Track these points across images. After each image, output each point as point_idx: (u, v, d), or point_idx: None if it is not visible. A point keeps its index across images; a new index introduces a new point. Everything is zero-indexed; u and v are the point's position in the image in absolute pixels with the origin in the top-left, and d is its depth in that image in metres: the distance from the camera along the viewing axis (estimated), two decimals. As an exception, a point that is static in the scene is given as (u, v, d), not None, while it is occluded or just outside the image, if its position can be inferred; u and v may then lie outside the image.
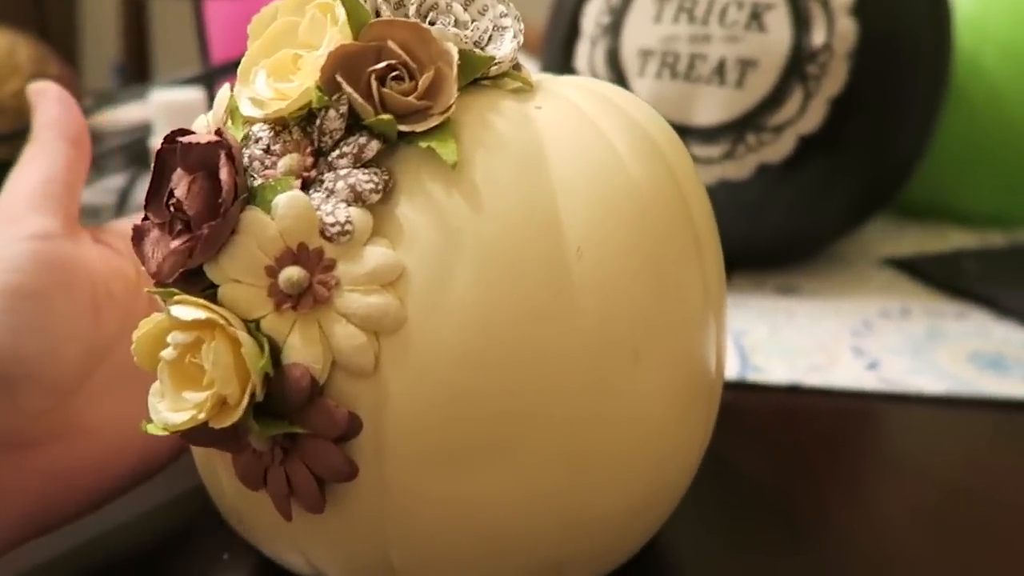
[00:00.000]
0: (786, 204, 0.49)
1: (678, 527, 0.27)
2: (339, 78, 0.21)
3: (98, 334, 0.26)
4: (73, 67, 1.49)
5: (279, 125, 0.21)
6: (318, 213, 0.20)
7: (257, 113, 0.21)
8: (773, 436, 0.38)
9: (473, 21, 0.23)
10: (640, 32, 0.48)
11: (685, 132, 0.48)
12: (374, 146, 0.21)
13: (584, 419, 0.21)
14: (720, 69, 0.46)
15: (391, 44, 0.21)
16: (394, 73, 0.21)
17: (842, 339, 0.47)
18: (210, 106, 0.64)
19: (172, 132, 0.21)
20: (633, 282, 0.22)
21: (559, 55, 0.53)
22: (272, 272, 0.20)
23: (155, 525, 0.31)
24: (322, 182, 0.21)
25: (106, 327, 0.26)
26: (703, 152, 0.48)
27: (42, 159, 0.28)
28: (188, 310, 0.20)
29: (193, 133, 0.21)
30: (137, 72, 1.41)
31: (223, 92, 0.23)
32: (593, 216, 0.21)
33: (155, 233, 0.21)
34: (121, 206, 0.63)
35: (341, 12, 0.21)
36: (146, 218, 0.22)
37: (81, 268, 0.26)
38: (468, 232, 0.20)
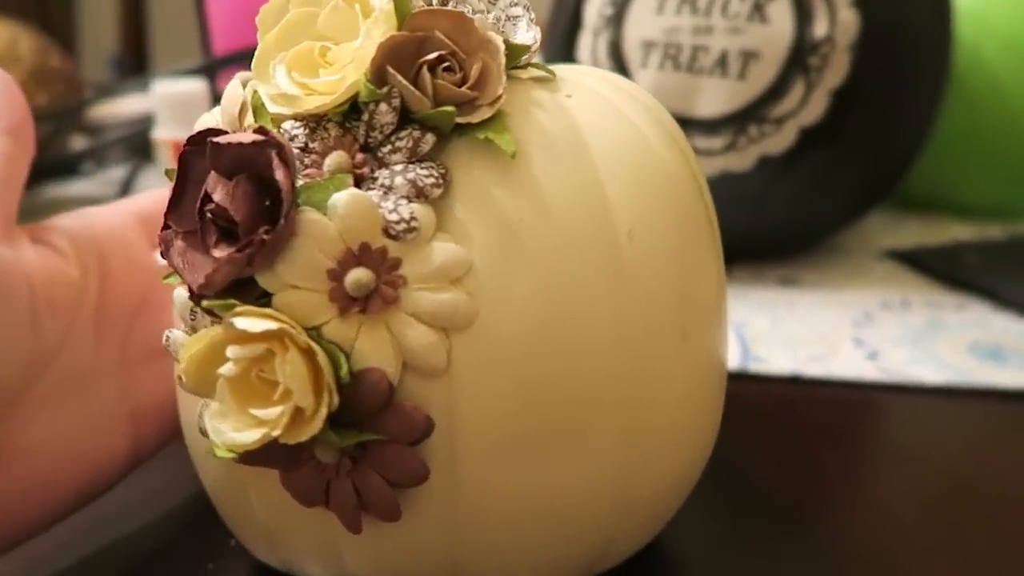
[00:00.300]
0: (787, 196, 0.49)
1: (681, 516, 0.27)
2: (391, 70, 0.20)
3: (36, 346, 0.24)
4: (71, 59, 1.49)
5: (313, 121, 0.21)
6: (380, 211, 0.19)
7: (285, 110, 0.20)
8: (774, 425, 0.38)
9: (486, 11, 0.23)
10: (642, 24, 0.48)
11: (687, 124, 0.48)
12: (430, 139, 0.20)
13: (640, 399, 0.22)
14: (722, 61, 0.46)
15: (438, 34, 0.21)
16: (445, 64, 0.21)
17: (843, 330, 0.47)
18: (213, 98, 0.63)
19: (197, 134, 0.20)
20: (676, 263, 0.22)
21: (561, 47, 0.53)
22: (335, 275, 0.19)
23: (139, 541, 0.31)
24: (375, 179, 0.20)
25: (46, 338, 0.24)
26: (705, 144, 0.48)
27: None
28: (255, 321, 0.19)
29: (220, 133, 0.20)
30: (135, 64, 1.40)
31: (234, 87, 0.22)
32: (637, 200, 0.22)
33: (180, 243, 0.20)
34: (123, 195, 0.64)
35: (377, 1, 0.21)
36: (167, 226, 0.21)
37: (17, 274, 0.23)
38: (527, 223, 0.20)
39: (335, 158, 0.20)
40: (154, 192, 0.31)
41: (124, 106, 0.76)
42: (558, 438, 0.21)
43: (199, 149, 0.20)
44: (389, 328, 0.19)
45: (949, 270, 0.54)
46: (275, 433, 0.19)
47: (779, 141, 0.47)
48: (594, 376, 0.21)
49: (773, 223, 0.51)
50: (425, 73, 0.20)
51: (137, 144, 0.66)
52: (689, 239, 0.23)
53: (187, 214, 0.20)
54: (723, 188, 0.47)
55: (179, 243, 0.20)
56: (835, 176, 0.50)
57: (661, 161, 0.23)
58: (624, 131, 0.23)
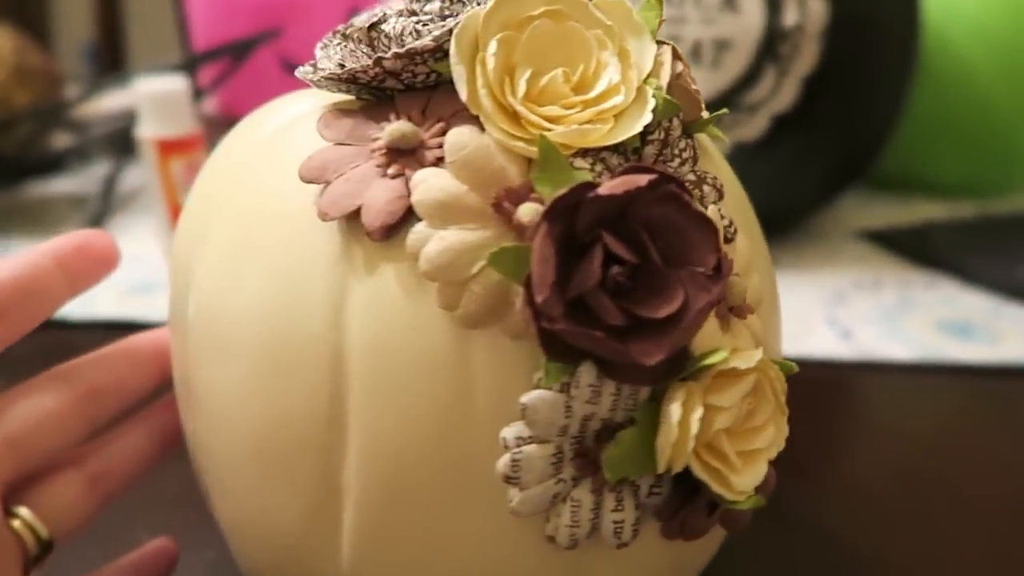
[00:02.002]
0: (761, 181, 0.51)
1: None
2: (683, 84, 0.20)
3: None
4: (45, 49, 1.48)
5: (591, 154, 0.19)
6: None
7: (571, 142, 0.19)
8: (751, 405, 0.40)
9: None
10: (617, 15, 0.49)
11: (663, 112, 0.49)
12: (694, 143, 0.21)
13: None
14: (696, 50, 0.47)
15: (675, 45, 0.22)
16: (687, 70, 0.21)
17: (817, 310, 0.48)
18: (195, 95, 0.63)
19: (558, 202, 0.17)
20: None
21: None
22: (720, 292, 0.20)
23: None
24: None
25: None
26: (681, 132, 0.49)
27: None
28: (745, 357, 0.19)
29: (587, 189, 0.17)
30: (111, 55, 1.39)
31: (460, 137, 0.19)
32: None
33: (583, 327, 0.17)
34: (107, 195, 0.64)
35: (599, 14, 0.20)
36: (546, 317, 0.17)
37: None
38: (744, 201, 0.23)
39: None
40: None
41: (105, 101, 0.76)
42: None
43: (565, 212, 0.17)
44: (746, 324, 0.20)
45: (919, 249, 0.56)
46: (772, 454, 0.20)
47: (752, 128, 0.49)
48: None
49: (748, 207, 0.53)
50: (688, 81, 0.21)
51: (119, 140, 0.67)
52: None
53: (560, 293, 0.17)
54: (699, 175, 0.48)
55: (588, 329, 0.17)
56: (808, 161, 0.51)
57: None
58: None
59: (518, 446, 0.18)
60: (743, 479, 0.19)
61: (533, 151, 0.19)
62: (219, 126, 0.81)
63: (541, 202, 0.18)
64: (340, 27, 0.22)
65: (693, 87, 0.21)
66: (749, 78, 0.48)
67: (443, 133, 0.20)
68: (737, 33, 0.47)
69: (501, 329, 0.18)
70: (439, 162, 0.19)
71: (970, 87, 0.62)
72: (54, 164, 0.64)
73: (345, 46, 0.22)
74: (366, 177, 0.19)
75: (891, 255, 0.57)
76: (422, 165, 0.19)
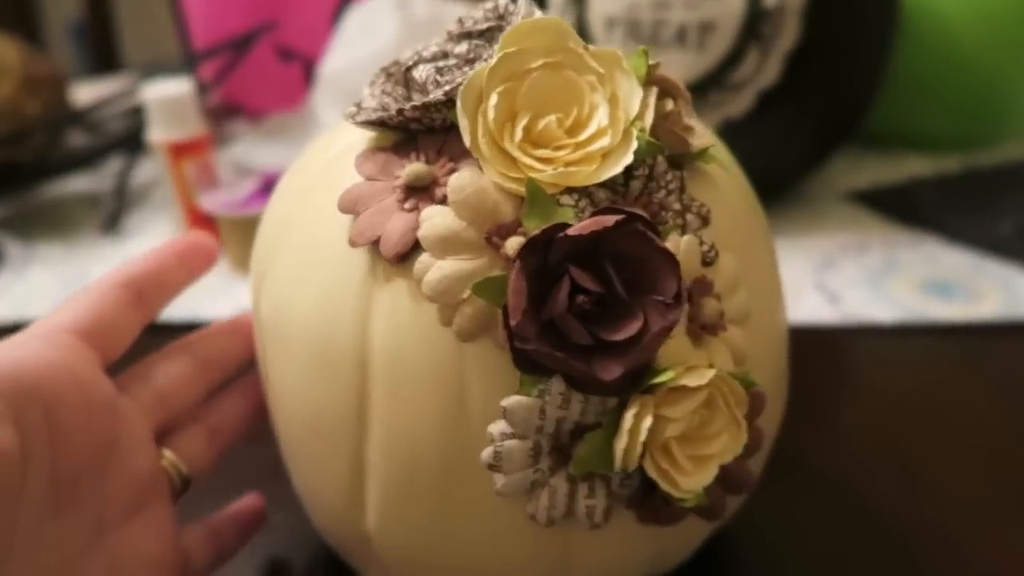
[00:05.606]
0: (750, 154, 0.53)
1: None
2: (666, 124, 0.22)
3: None
4: (32, 30, 1.47)
5: (578, 192, 0.22)
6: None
7: (558, 182, 0.21)
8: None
9: None
10: (605, 1, 0.51)
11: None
12: (683, 175, 0.23)
13: None
14: (681, 34, 0.49)
15: (667, 83, 0.23)
16: (676, 109, 0.24)
17: (806, 276, 0.51)
18: (199, 96, 0.65)
19: (532, 241, 0.20)
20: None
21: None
22: (690, 315, 0.22)
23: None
24: (666, 221, 0.22)
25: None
26: (670, 111, 0.51)
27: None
28: (699, 375, 0.21)
29: (559, 229, 0.20)
30: (98, 32, 1.38)
31: (463, 180, 0.22)
32: (744, 177, 0.27)
33: (548, 347, 0.20)
34: (120, 192, 0.66)
35: (592, 61, 0.22)
36: (518, 337, 0.20)
37: None
38: (747, 221, 0.25)
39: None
40: (84, 296, 0.26)
41: (104, 88, 0.78)
42: None
43: (538, 248, 0.20)
44: (724, 340, 0.23)
45: (904, 208, 0.58)
46: (725, 459, 0.22)
47: (738, 105, 0.51)
48: None
49: (739, 179, 0.55)
50: (676, 120, 0.23)
51: (129, 136, 0.68)
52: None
53: (534, 317, 0.20)
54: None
55: (553, 348, 0.20)
56: (794, 132, 0.53)
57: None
58: (714, 136, 0.27)
59: (501, 440, 0.22)
60: (692, 480, 0.21)
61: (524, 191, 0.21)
62: (223, 117, 0.82)
63: (526, 236, 0.21)
64: (386, 64, 0.25)
65: (686, 122, 0.23)
66: (734, 58, 0.49)
67: (452, 172, 0.22)
68: (720, 15, 0.49)
69: (491, 342, 0.21)
70: (446, 199, 0.22)
71: (952, 43, 0.63)
72: (68, 165, 0.66)
73: (387, 83, 0.25)
74: (387, 210, 0.22)
75: (877, 215, 0.59)
76: (433, 201, 0.22)
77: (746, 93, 0.50)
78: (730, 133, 0.52)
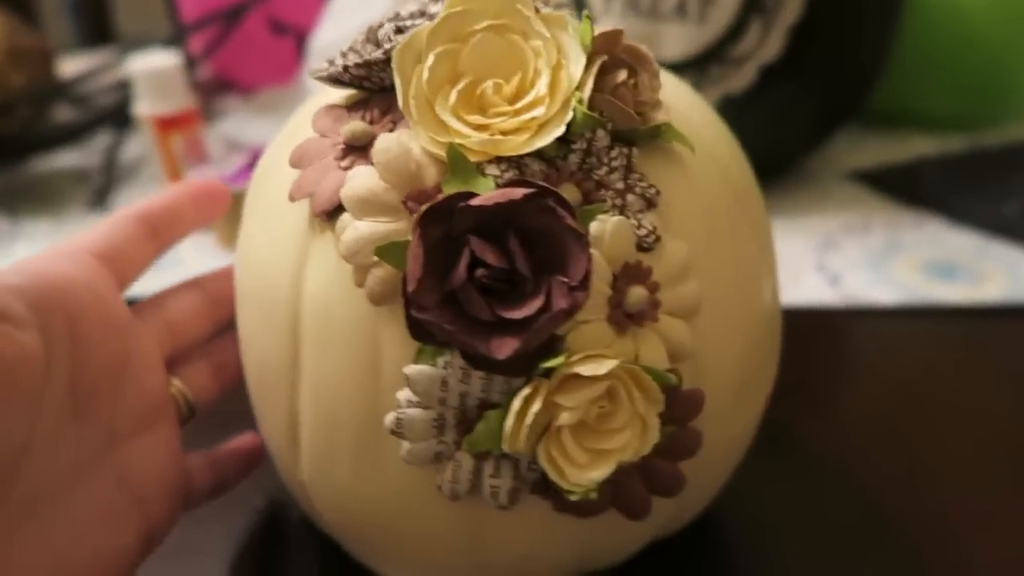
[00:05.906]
0: (751, 131, 0.51)
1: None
2: (608, 96, 0.21)
3: None
4: (28, 3, 1.45)
5: (511, 162, 0.20)
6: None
7: (486, 150, 0.20)
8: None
9: None
10: (603, -28, 0.49)
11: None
12: (635, 153, 0.21)
13: None
14: (681, 6, 0.48)
15: (620, 53, 0.22)
16: (632, 81, 0.22)
17: (807, 256, 0.50)
18: (189, 69, 0.64)
19: (432, 209, 0.19)
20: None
21: None
22: (613, 301, 0.20)
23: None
24: (603, 200, 0.21)
25: (6, 438, 0.20)
26: (670, 86, 0.50)
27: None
28: (597, 364, 0.19)
29: (463, 198, 0.19)
30: (93, 7, 1.36)
31: (388, 143, 0.21)
32: (739, 159, 0.26)
33: (449, 319, 0.19)
34: (108, 168, 0.65)
35: (539, 27, 0.21)
36: (416, 305, 0.19)
37: None
38: (719, 207, 0.23)
39: (569, 192, 0.20)
40: (103, 224, 0.27)
41: (93, 60, 0.76)
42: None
43: (440, 216, 0.19)
44: (657, 331, 0.21)
45: (908, 188, 0.57)
46: (625, 457, 0.20)
47: (740, 79, 0.49)
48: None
49: (739, 157, 0.53)
50: (625, 92, 0.21)
51: (117, 111, 0.67)
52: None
53: (435, 287, 0.19)
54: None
55: (448, 320, 0.19)
56: (797, 108, 0.52)
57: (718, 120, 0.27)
58: (710, 115, 0.26)
59: (406, 407, 0.21)
60: (584, 474, 0.20)
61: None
62: (215, 92, 0.81)
63: None
64: (372, 23, 0.24)
65: (644, 97, 0.22)
66: (735, 31, 0.48)
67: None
68: (722, -13, 0.47)
69: (400, 307, 0.21)
70: None
71: (959, 20, 0.62)
72: (55, 139, 0.65)
73: (361, 41, 0.24)
74: (327, 168, 0.22)
75: (880, 195, 0.58)
76: (368, 161, 0.22)
77: (747, 68, 0.49)
78: (730, 109, 0.50)
